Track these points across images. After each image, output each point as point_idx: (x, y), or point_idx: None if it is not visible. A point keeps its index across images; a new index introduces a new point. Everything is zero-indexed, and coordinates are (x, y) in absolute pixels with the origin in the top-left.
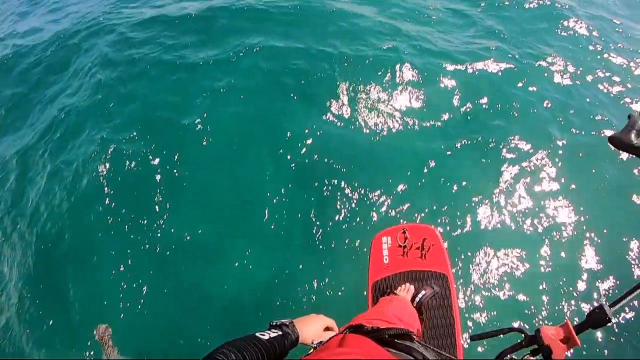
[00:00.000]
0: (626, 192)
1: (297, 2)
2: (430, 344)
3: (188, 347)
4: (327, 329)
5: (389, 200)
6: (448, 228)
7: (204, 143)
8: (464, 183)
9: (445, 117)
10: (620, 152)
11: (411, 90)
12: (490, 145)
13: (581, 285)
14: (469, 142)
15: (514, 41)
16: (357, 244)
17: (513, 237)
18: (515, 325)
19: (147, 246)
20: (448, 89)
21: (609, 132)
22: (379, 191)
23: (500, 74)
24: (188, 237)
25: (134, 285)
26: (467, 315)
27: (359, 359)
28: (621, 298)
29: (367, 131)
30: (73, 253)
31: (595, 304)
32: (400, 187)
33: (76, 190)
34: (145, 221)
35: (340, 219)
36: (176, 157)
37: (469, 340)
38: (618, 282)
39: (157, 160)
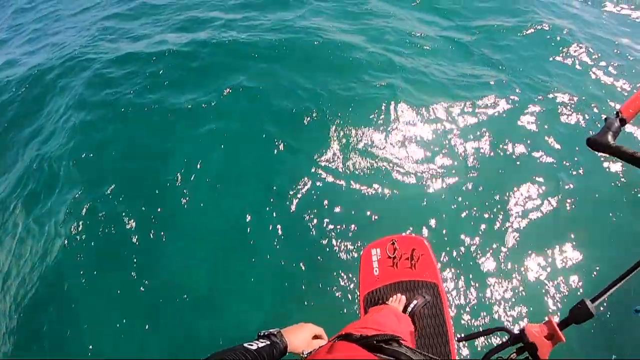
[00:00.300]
0: (602, 194)
1: (283, 35)
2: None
3: None
4: (316, 337)
5: (376, 215)
6: (436, 238)
7: (184, 199)
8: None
9: (444, 160)
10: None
11: (405, 131)
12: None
13: (564, 284)
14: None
15: (513, 72)
16: (346, 257)
17: (498, 243)
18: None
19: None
20: (446, 129)
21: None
22: (367, 205)
23: (500, 110)
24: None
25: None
26: (459, 321)
27: None
28: (601, 293)
29: (357, 176)
30: (49, 325)
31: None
32: (388, 200)
33: (50, 253)
34: (125, 288)
35: (329, 233)
36: (156, 213)
37: (456, 343)
38: (598, 279)
39: (133, 220)
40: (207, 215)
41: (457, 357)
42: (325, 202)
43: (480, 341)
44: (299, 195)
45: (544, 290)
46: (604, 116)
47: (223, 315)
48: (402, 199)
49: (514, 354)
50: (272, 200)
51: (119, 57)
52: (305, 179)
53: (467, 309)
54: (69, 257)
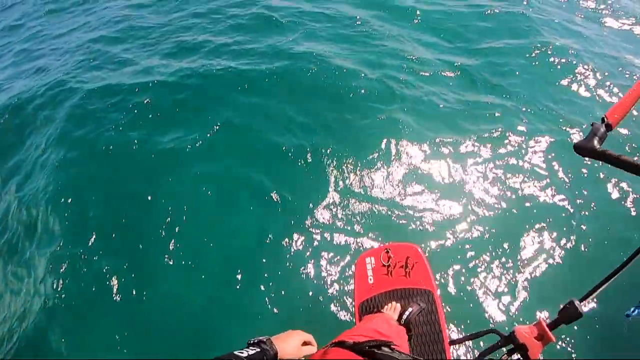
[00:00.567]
0: (590, 193)
1: (275, 63)
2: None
3: None
4: (305, 343)
5: (371, 222)
6: (429, 245)
7: (168, 254)
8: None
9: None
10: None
11: (406, 170)
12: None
13: (554, 285)
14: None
15: (518, 99)
16: (341, 267)
17: (490, 249)
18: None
19: None
20: (450, 167)
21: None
22: (360, 215)
23: (507, 143)
24: None
25: None
26: (454, 327)
27: None
28: (589, 293)
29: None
30: None
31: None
32: (382, 208)
33: (29, 314)
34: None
35: (323, 243)
36: (139, 268)
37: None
38: (586, 279)
39: (116, 277)
40: (193, 271)
41: None
42: (324, 254)
43: (472, 344)
44: (292, 250)
45: (536, 293)
46: (593, 122)
47: (215, 328)
48: (402, 226)
49: (505, 355)
50: (265, 244)
51: (103, 88)
52: (300, 228)
53: (463, 315)
54: (49, 318)
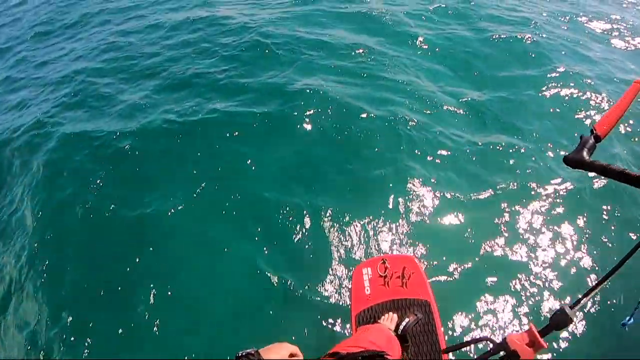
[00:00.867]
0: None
1: (271, 104)
2: None
3: None
4: (292, 355)
5: (368, 233)
6: (426, 255)
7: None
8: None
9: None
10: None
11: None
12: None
13: (546, 293)
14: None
15: (532, 139)
16: (337, 278)
17: (487, 259)
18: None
19: None
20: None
21: None
22: (357, 225)
23: (521, 191)
24: None
25: None
26: (451, 337)
27: None
28: (580, 299)
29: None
30: None
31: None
32: (379, 220)
33: None
34: None
35: (320, 254)
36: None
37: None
38: (576, 286)
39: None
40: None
41: None
42: (320, 264)
43: (466, 351)
44: (288, 259)
45: (531, 301)
46: (582, 135)
47: (206, 338)
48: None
49: None
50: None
51: (81, 134)
52: (297, 244)
53: (460, 325)
54: None
